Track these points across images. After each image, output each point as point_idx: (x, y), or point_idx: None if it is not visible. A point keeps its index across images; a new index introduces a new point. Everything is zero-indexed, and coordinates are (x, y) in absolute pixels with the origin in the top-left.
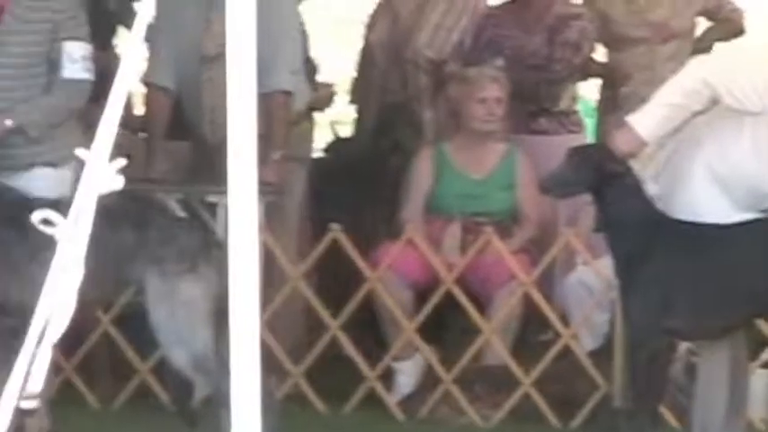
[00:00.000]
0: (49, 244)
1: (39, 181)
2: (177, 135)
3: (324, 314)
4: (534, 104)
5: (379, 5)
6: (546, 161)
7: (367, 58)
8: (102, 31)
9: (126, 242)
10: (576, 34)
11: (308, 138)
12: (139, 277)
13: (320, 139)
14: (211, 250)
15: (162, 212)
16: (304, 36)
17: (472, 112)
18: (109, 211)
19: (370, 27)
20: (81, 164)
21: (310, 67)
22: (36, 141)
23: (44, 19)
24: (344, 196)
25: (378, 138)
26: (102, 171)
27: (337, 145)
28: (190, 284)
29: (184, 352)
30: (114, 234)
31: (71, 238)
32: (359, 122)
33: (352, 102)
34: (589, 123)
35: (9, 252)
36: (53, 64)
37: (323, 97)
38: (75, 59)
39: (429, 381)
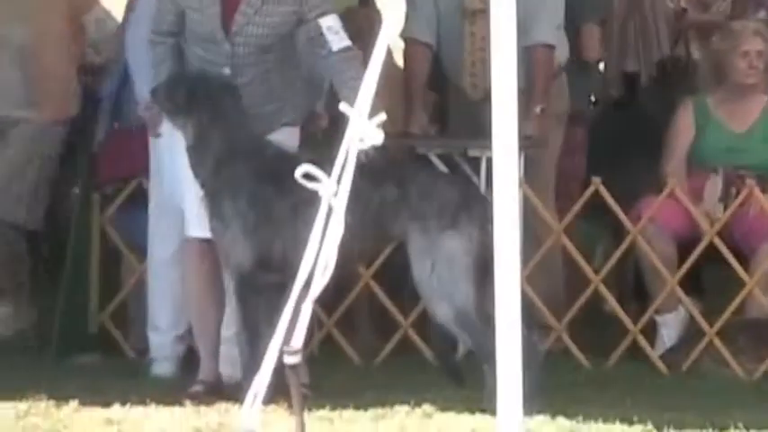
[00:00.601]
0: (311, 199)
1: (281, 139)
2: (434, 89)
3: (585, 268)
4: None
5: None
6: None
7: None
8: None
9: (388, 198)
10: None
11: (564, 92)
12: (401, 232)
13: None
14: (474, 205)
15: (423, 167)
16: None
17: (734, 64)
18: (371, 166)
19: None
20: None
21: None
22: (280, 102)
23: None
24: (605, 150)
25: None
26: (363, 126)
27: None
28: (452, 240)
29: (447, 307)
30: (376, 190)
31: (334, 193)
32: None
33: None
34: None
35: (272, 208)
36: (286, 41)
37: None
38: (337, 30)
39: (692, 333)
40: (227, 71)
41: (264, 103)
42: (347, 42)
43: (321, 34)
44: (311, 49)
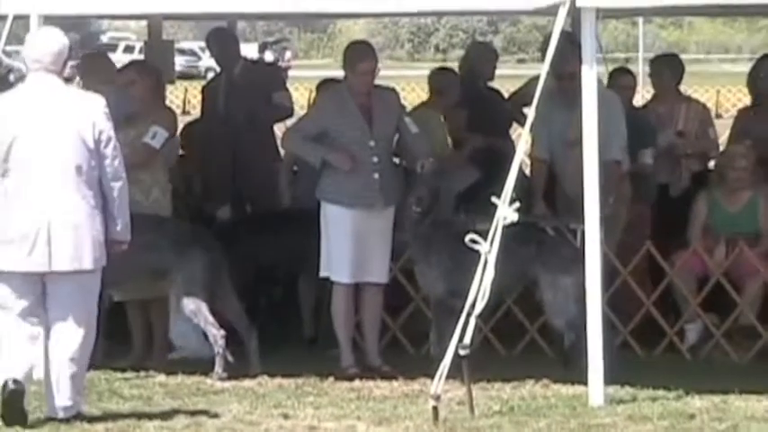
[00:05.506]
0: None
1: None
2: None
3: (642, 296)
4: None
5: None
6: None
7: None
8: (501, 125)
9: (525, 253)
10: None
11: (628, 189)
12: (534, 275)
13: None
14: (576, 258)
15: (545, 235)
16: None
17: (730, 174)
18: (514, 234)
19: None
20: None
21: None
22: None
23: None
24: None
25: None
26: (506, 210)
27: None
28: (566, 279)
29: (563, 318)
30: (518, 248)
31: (488, 251)
32: None
33: None
34: None
35: (462, 259)
36: None
37: None
38: (411, 122)
39: (707, 336)
40: (375, 159)
41: (393, 180)
42: (417, 129)
43: (405, 124)
44: (400, 134)
